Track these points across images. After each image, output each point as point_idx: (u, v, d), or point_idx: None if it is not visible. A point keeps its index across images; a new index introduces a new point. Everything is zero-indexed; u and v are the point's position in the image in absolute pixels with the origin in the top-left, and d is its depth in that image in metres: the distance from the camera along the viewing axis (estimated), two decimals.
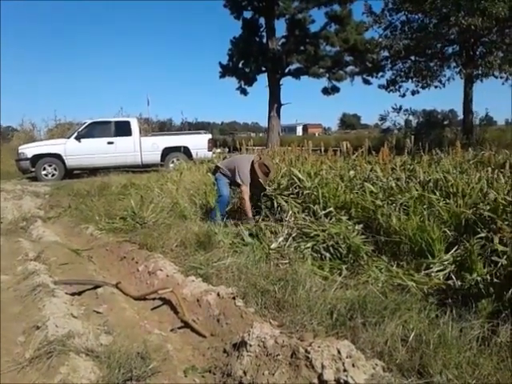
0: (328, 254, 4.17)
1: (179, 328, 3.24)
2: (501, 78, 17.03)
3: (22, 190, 10.38)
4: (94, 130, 13.16)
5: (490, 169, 5.14)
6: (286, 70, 21.86)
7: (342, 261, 4.05)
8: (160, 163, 13.25)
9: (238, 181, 5.50)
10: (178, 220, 5.83)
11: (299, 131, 60.98)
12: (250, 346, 2.49)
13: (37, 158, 12.75)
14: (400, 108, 18.60)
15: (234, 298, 3.29)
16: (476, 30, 14.83)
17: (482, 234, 3.49)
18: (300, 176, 5.82)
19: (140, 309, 3.67)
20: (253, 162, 5.57)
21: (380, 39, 18.53)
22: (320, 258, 4.19)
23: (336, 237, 4.22)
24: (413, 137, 8.06)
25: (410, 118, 19.31)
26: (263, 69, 21.87)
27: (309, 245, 4.29)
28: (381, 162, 5.83)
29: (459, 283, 3.16)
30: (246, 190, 5.42)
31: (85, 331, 2.92)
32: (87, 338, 2.84)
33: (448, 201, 4.32)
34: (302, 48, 20.77)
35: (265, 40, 21.46)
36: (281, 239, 4.64)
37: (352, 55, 20.97)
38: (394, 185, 4.85)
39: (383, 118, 19.49)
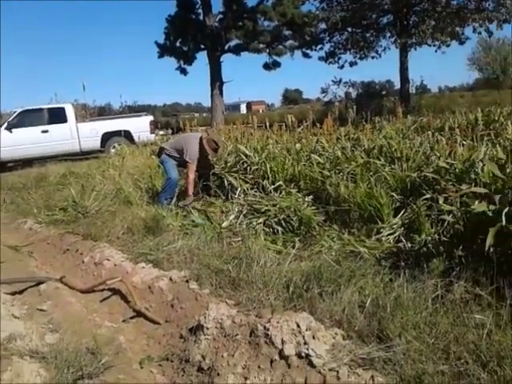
0: (280, 228, 4.13)
1: (131, 318, 3.10)
2: (434, 45, 17.61)
3: None
4: (26, 118, 12.28)
5: (430, 133, 5.27)
6: (226, 47, 21.45)
7: (294, 233, 4.03)
8: (100, 149, 12.67)
9: (187, 159, 5.29)
10: (123, 206, 5.57)
11: (243, 109, 60.66)
12: (207, 328, 2.41)
13: None
14: (340, 80, 18.86)
15: (187, 281, 3.19)
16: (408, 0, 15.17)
17: (428, 196, 3.55)
18: (247, 152, 5.72)
19: (88, 302, 3.47)
20: (201, 138, 5.39)
21: (317, 12, 18.57)
22: (272, 233, 4.14)
23: (287, 210, 4.18)
24: (355, 107, 8.15)
25: (350, 90, 19.65)
26: (202, 47, 21.32)
27: (260, 220, 4.23)
28: (325, 133, 5.84)
29: (409, 245, 3.21)
30: (192, 168, 5.24)
31: (28, 332, 2.71)
32: (31, 339, 2.64)
33: (393, 166, 4.38)
34: (240, 24, 20.38)
35: (202, 17, 20.88)
36: (232, 217, 4.55)
37: (290, 29, 20.85)
38: (339, 154, 4.86)
39: (324, 91, 19.72)
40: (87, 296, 3.57)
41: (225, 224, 4.39)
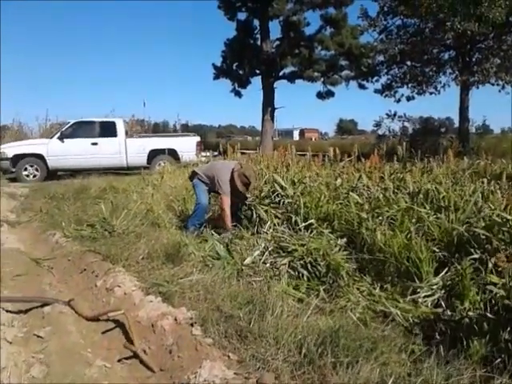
0: (306, 272, 3.75)
1: (127, 358, 2.83)
2: (497, 85, 16.68)
3: None
4: (78, 130, 12.68)
5: (485, 180, 4.76)
6: (281, 73, 21.47)
7: (320, 281, 3.64)
8: (146, 166, 12.78)
9: (219, 190, 5.12)
10: (150, 228, 5.41)
11: (296, 136, 60.55)
12: None
13: (18, 158, 12.26)
14: (394, 114, 18.24)
15: (191, 325, 2.89)
16: (472, 36, 14.52)
17: (476, 256, 3.08)
18: (282, 183, 5.42)
19: (89, 332, 3.25)
20: (233, 170, 5.17)
21: (375, 43, 18.21)
22: (297, 277, 3.77)
23: (315, 253, 3.81)
24: (405, 143, 7.68)
25: (407, 124, 18.95)
26: (257, 71, 21.48)
27: (285, 261, 3.87)
28: (368, 169, 5.44)
29: (449, 313, 2.75)
30: (226, 201, 5.02)
31: (7, 364, 2.49)
32: (11, 373, 2.42)
33: (439, 215, 3.92)
34: (296, 51, 20.33)
35: (259, 42, 21.09)
36: (256, 253, 4.22)
37: (347, 59, 20.55)
38: (380, 195, 4.44)
39: (378, 124, 19.12)
40: (90, 325, 3.34)
41: (247, 261, 4.06)
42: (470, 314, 2.43)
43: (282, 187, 5.35)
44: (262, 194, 5.44)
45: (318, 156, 7.31)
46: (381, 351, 2.27)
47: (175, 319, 2.99)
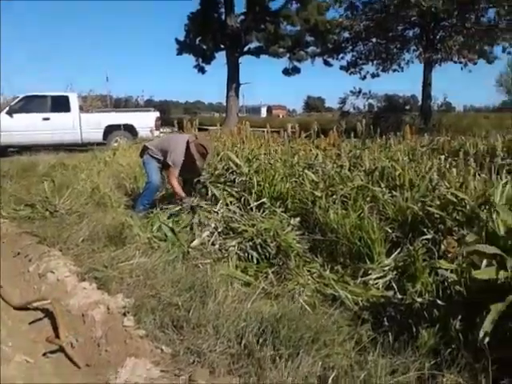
0: (255, 254, 3.55)
1: (53, 352, 2.55)
2: (460, 63, 16.83)
3: None
4: (29, 104, 11.88)
5: (442, 157, 4.65)
6: (246, 49, 21.03)
7: (270, 262, 3.45)
8: (103, 142, 12.20)
9: (169, 162, 4.76)
10: (97, 208, 5.06)
11: (264, 113, 59.98)
12: None
13: None
14: (359, 91, 18.16)
15: (124, 315, 2.64)
16: (437, 13, 14.48)
17: (429, 236, 2.94)
18: (237, 161, 5.16)
19: (16, 322, 2.95)
20: (188, 141, 4.85)
21: (341, 19, 17.96)
22: (246, 259, 3.57)
23: (265, 233, 3.60)
24: (366, 120, 7.54)
25: (372, 102, 18.92)
26: (222, 46, 20.91)
27: (234, 242, 3.66)
28: (325, 146, 5.25)
29: (399, 296, 2.60)
30: (173, 172, 4.69)
31: None
32: None
33: (394, 193, 3.77)
34: (261, 26, 19.91)
35: (223, 16, 20.46)
36: (205, 234, 3.99)
37: (313, 35, 20.29)
38: (334, 173, 4.26)
39: (343, 101, 19.04)
40: (18, 314, 3.05)
41: (195, 243, 3.82)
42: (419, 300, 2.28)
43: (236, 165, 5.11)
44: (217, 172, 5.18)
45: (279, 133, 7.09)
46: (324, 342, 2.09)
47: (108, 308, 2.74)
